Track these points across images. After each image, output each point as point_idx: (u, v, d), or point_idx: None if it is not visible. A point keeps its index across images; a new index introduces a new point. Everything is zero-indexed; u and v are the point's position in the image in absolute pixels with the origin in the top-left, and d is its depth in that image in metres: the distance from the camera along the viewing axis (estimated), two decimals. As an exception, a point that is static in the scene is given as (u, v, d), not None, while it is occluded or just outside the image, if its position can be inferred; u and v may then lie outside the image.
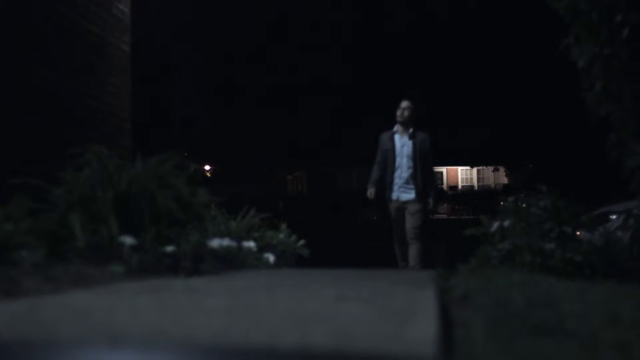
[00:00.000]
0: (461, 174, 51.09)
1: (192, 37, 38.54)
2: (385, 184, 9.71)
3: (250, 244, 5.31)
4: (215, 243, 4.41)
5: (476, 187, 48.71)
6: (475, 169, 49.83)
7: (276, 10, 37.12)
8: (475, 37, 30.02)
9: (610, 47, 5.00)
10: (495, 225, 5.54)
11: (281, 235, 6.48)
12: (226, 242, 4.59)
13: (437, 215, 38.69)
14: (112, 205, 4.22)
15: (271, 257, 5.56)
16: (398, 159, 9.65)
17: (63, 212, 4.14)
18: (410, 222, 9.49)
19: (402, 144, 9.68)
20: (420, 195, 9.53)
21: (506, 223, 5.47)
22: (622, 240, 4.95)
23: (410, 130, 9.69)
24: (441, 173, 50.83)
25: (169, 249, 4.03)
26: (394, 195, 9.61)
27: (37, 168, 5.18)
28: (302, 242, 6.63)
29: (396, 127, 9.78)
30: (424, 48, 31.56)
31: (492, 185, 46.12)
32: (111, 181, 4.40)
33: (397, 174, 9.62)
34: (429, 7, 31.26)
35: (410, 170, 9.58)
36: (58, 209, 4.20)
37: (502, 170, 40.62)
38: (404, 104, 9.80)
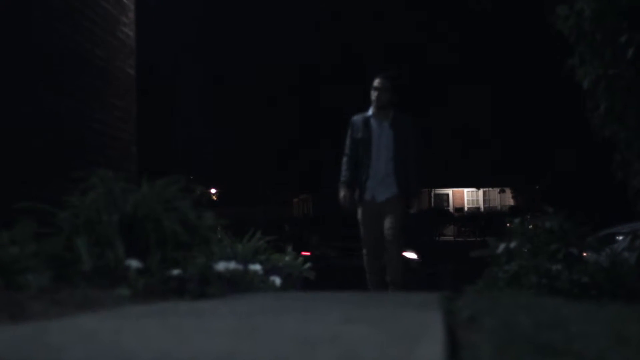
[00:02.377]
0: (467, 196, 51.08)
1: (197, 60, 38.66)
2: (357, 183, 7.80)
3: (257, 266, 5.29)
4: (221, 266, 4.40)
5: (482, 209, 48.66)
6: (481, 191, 49.77)
7: (276, 34, 37.33)
8: (483, 60, 30.12)
9: (614, 67, 5.01)
10: (502, 247, 5.54)
11: (287, 258, 6.46)
12: (232, 265, 4.57)
13: (443, 238, 38.68)
14: (118, 228, 4.23)
15: (277, 280, 5.54)
16: (375, 151, 7.70)
17: (69, 236, 4.15)
18: (390, 222, 7.57)
19: (380, 132, 7.72)
20: (402, 192, 7.65)
21: (513, 245, 5.47)
22: (628, 261, 4.93)
23: (391, 115, 7.77)
24: (447, 195, 50.83)
25: (175, 272, 4.03)
26: (368, 195, 7.68)
27: (41, 191, 5.20)
28: (308, 264, 6.60)
29: (372, 111, 7.79)
30: (430, 68, 31.68)
31: (499, 207, 46.06)
32: (117, 204, 4.41)
33: (373, 169, 7.68)
34: (439, 28, 31.39)
35: (391, 164, 7.67)
36: (64, 233, 4.20)
37: (508, 191, 40.62)
38: (378, 83, 7.76)
